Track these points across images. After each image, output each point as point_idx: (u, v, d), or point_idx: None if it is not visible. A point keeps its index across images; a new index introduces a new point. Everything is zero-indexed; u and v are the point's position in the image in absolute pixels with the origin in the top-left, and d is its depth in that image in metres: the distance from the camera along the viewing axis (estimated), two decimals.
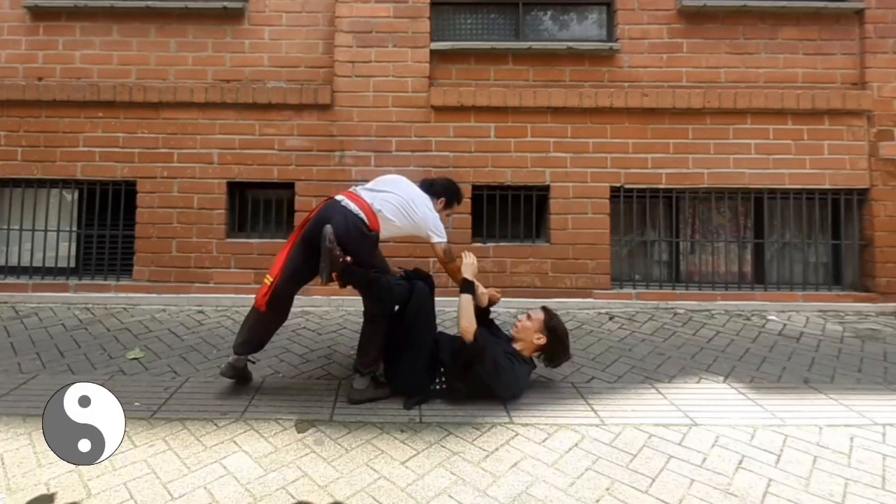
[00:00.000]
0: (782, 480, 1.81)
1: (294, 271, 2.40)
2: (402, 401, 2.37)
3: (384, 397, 2.41)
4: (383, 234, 2.42)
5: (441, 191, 2.67)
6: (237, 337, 2.44)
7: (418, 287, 2.39)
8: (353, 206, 2.38)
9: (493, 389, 2.32)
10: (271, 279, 2.36)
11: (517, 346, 2.46)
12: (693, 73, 4.07)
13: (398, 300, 2.35)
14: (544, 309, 2.53)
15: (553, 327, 2.44)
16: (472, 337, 2.31)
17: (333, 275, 2.28)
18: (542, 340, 2.42)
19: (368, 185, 2.59)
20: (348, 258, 2.30)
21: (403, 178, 2.61)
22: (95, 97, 4.00)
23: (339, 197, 2.45)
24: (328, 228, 2.26)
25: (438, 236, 2.46)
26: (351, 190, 2.53)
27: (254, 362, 2.56)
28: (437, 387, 2.39)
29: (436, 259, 2.76)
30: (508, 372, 2.31)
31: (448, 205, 2.71)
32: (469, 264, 2.51)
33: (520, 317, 2.60)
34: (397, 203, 2.44)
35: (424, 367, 2.37)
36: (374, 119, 4.02)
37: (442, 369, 2.39)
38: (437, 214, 2.53)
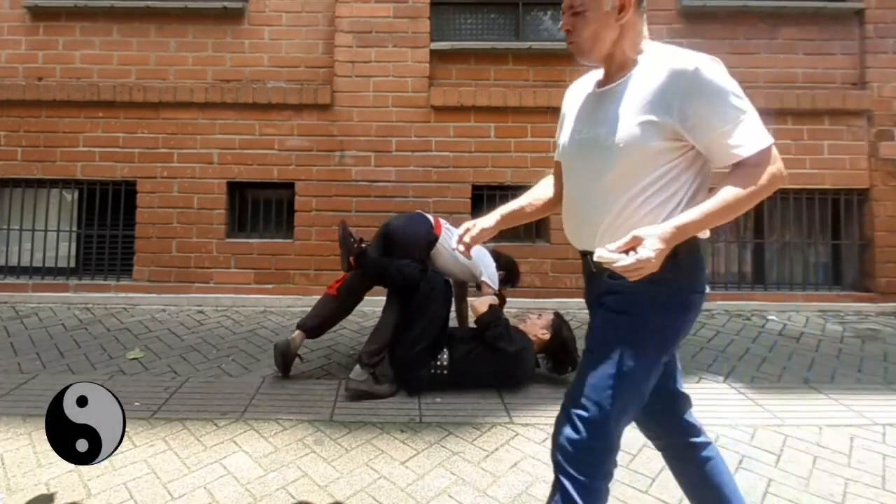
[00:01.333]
0: (782, 480, 1.80)
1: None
2: (400, 399, 2.39)
3: (381, 396, 2.39)
4: (442, 249, 2.64)
5: (504, 266, 2.96)
6: (305, 316, 2.66)
7: (432, 271, 2.54)
8: (426, 214, 2.81)
9: (503, 356, 2.40)
10: (342, 279, 2.72)
11: None
12: None
13: (410, 280, 2.46)
14: (556, 313, 2.67)
15: (559, 327, 2.56)
16: (487, 308, 2.45)
17: (352, 259, 2.49)
18: (546, 336, 2.54)
19: None
20: (363, 244, 2.53)
21: None
22: (95, 97, 4.00)
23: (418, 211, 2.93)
24: (343, 222, 2.59)
25: (491, 282, 2.73)
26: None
27: (303, 360, 2.67)
28: (438, 371, 2.43)
29: None
30: (519, 339, 2.46)
31: (504, 281, 2.95)
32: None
33: (531, 314, 2.72)
34: None
35: (427, 348, 2.42)
36: (374, 119, 4.01)
37: (445, 350, 2.44)
38: (494, 267, 2.82)
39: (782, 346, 3.17)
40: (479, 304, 2.48)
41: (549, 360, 2.59)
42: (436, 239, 2.66)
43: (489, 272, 2.76)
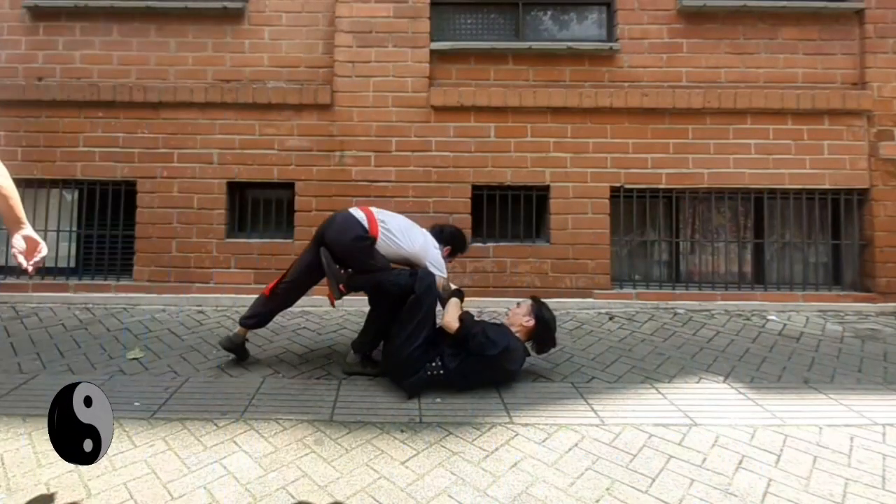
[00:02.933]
0: (782, 480, 1.81)
1: (300, 268, 2.72)
2: (400, 399, 2.38)
3: (372, 374, 2.64)
4: (383, 245, 2.62)
5: (449, 239, 2.90)
6: (245, 312, 2.77)
7: (422, 272, 2.55)
8: (357, 213, 2.66)
9: (490, 362, 2.42)
10: (278, 279, 2.75)
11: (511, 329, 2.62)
12: (693, 73, 4.07)
13: (405, 288, 2.48)
14: (533, 297, 2.74)
15: (540, 310, 2.62)
16: (457, 325, 2.47)
17: (341, 287, 2.58)
18: (531, 323, 2.59)
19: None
20: (349, 269, 2.62)
21: (414, 223, 2.83)
22: (95, 97, 4.00)
23: (351, 209, 2.74)
24: (323, 250, 2.57)
25: (438, 270, 2.68)
26: (366, 207, 2.78)
27: (247, 339, 2.81)
28: (434, 372, 2.44)
29: None
30: (501, 337, 2.47)
31: (452, 253, 2.94)
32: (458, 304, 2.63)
33: (511, 307, 2.78)
34: (403, 225, 2.71)
35: (422, 347, 2.44)
36: (374, 119, 4.02)
37: (439, 359, 2.45)
38: (439, 252, 2.76)
39: (782, 346, 3.17)
40: (449, 321, 2.47)
41: (534, 343, 2.63)
42: (373, 241, 2.59)
43: (433, 258, 2.69)
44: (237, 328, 2.79)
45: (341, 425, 2.16)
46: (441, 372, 2.43)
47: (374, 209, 2.72)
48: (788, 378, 2.69)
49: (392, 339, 2.51)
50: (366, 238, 2.57)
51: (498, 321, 2.74)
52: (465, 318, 2.50)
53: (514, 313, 2.68)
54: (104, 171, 4.03)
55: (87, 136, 4.03)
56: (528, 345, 2.63)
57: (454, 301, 2.59)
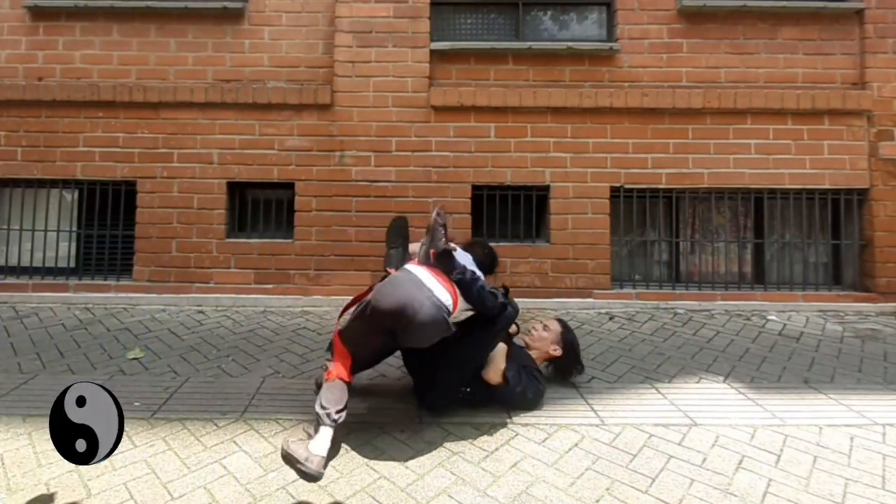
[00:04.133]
0: (782, 480, 1.81)
1: (375, 352, 2.20)
2: (400, 399, 2.37)
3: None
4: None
5: (489, 267, 2.52)
6: (331, 407, 1.91)
7: (511, 311, 2.19)
8: (441, 292, 2.00)
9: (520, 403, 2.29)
10: (350, 360, 2.06)
11: (531, 353, 2.47)
12: (693, 73, 4.07)
13: (489, 310, 2.11)
14: (560, 321, 2.56)
15: (570, 340, 2.47)
16: (500, 381, 2.15)
17: (432, 252, 2.09)
18: (559, 352, 2.46)
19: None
20: (452, 245, 2.15)
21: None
22: (95, 97, 4.00)
23: (416, 270, 2.08)
24: (444, 208, 2.24)
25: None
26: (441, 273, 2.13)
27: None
28: (461, 395, 2.26)
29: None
30: (537, 395, 2.30)
31: (487, 273, 2.50)
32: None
33: (535, 325, 2.58)
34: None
35: (460, 383, 2.20)
36: (374, 119, 4.02)
37: (470, 387, 2.25)
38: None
39: (782, 346, 3.17)
40: (494, 375, 2.14)
41: (555, 369, 2.51)
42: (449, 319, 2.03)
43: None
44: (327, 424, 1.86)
45: (341, 425, 2.16)
46: (467, 398, 2.27)
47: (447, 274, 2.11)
48: (788, 378, 2.69)
49: (441, 378, 2.18)
50: (448, 329, 1.99)
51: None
52: (507, 375, 2.16)
53: (539, 337, 2.47)
54: (104, 171, 4.03)
55: (87, 136, 4.03)
56: (544, 366, 2.47)
57: (502, 349, 2.18)
